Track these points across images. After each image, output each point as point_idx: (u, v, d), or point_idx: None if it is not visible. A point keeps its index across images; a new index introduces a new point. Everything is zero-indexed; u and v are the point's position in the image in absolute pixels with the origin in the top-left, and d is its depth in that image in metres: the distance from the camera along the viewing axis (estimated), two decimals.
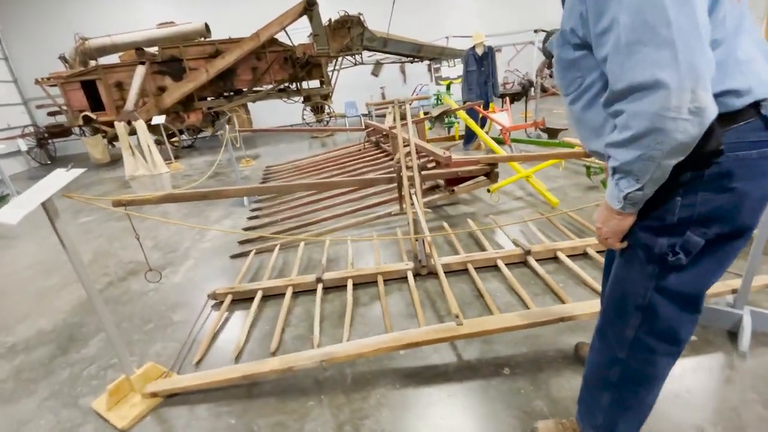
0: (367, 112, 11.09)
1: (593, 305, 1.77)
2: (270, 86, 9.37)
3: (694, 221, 0.85)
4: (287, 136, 10.45)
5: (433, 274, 2.51)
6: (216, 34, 9.01)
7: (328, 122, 10.63)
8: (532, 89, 6.46)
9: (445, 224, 3.22)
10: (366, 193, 3.95)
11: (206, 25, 8.56)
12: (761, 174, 0.81)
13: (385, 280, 2.44)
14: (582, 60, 0.92)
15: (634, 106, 0.74)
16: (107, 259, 3.44)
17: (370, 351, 1.68)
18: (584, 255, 2.57)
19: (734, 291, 1.78)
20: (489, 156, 3.34)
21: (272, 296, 2.47)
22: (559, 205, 3.45)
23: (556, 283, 2.22)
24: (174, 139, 8.91)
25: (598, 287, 2.16)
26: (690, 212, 0.85)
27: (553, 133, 5.77)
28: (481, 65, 5.76)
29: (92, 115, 8.35)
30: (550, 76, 11.34)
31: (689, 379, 1.53)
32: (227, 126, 4.59)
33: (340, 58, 9.80)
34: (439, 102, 6.93)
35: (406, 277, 2.48)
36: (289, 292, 2.40)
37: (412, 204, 2.62)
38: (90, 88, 8.41)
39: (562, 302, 2.06)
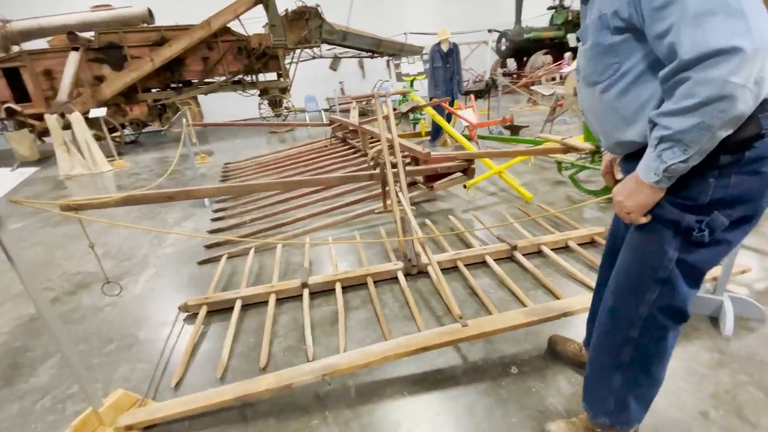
0: (328, 107, 10.84)
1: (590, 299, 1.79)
2: (223, 78, 8.83)
3: (724, 202, 0.88)
4: (243, 131, 9.93)
5: (423, 273, 2.45)
6: (161, 21, 8.31)
7: (286, 117, 10.24)
8: (495, 87, 6.62)
9: (428, 221, 3.18)
10: (340, 191, 3.81)
11: (149, 10, 7.86)
12: None
13: (374, 282, 2.34)
14: (622, 45, 0.91)
15: (705, 74, 0.72)
16: (49, 271, 3.02)
17: (377, 360, 1.58)
18: (566, 248, 2.63)
19: (715, 279, 1.89)
20: (466, 152, 3.34)
21: (253, 305, 2.28)
22: (532, 200, 3.54)
23: (545, 277, 2.25)
24: (115, 134, 8.12)
25: (585, 279, 2.22)
26: (722, 194, 0.87)
27: (515, 130, 5.94)
28: (446, 62, 5.79)
29: (16, 107, 7.38)
30: (503, 75, 11.72)
31: (682, 365, 1.60)
32: (184, 119, 4.21)
33: (298, 51, 9.45)
34: (404, 98, 6.90)
35: (396, 278, 2.40)
36: (272, 300, 2.22)
37: (399, 202, 2.53)
38: (13, 77, 7.42)
39: (556, 297, 2.08)
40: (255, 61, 8.74)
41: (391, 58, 11.36)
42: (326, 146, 6.04)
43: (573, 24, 13.14)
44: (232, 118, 12.16)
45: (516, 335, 1.84)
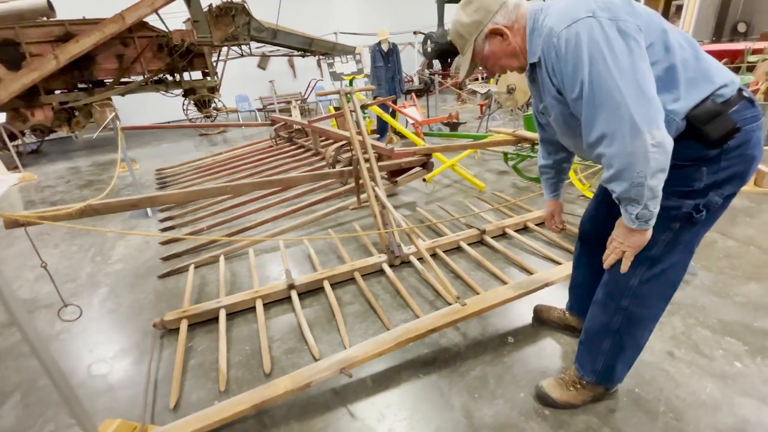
0: (261, 107, 10.41)
1: (566, 269, 2.03)
2: (142, 77, 8.04)
3: (716, 184, 1.05)
4: (170, 135, 9.15)
5: (405, 263, 2.54)
6: (65, 14, 7.32)
7: (215, 118, 9.63)
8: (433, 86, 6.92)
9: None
10: (300, 191, 3.72)
11: (49, 3, 6.88)
12: (758, 141, 1.05)
13: (362, 276, 2.37)
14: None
15: (610, 150, 0.96)
16: None
17: (391, 347, 1.63)
18: (525, 228, 2.90)
19: None
20: (426, 147, 3.49)
21: (237, 313, 2.18)
22: (485, 189, 3.81)
23: (514, 256, 2.47)
24: (15, 143, 6.98)
25: (548, 254, 2.46)
26: (714, 178, 1.05)
27: (453, 126, 6.29)
28: (387, 62, 5.93)
29: None
30: (429, 75, 12.26)
31: None
32: (117, 122, 3.80)
33: (225, 48, 8.94)
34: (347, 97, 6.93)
35: (381, 270, 2.46)
36: (259, 305, 2.15)
37: (377, 196, 2.59)
38: None
39: (528, 272, 2.31)
40: (178, 59, 8.09)
41: (323, 57, 11.26)
42: (271, 147, 5.85)
43: None
44: (152, 120, 11.13)
45: (504, 311, 2.01)
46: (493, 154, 5.01)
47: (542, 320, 1.91)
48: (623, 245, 1.13)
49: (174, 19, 7.96)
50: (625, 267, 1.16)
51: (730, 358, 1.63)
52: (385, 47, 5.85)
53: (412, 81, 13.09)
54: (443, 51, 13.71)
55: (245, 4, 8.61)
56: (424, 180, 3.83)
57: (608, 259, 1.20)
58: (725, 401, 1.44)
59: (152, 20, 7.63)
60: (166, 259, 2.90)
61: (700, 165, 1.03)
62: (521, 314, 1.99)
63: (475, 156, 4.81)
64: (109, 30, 6.95)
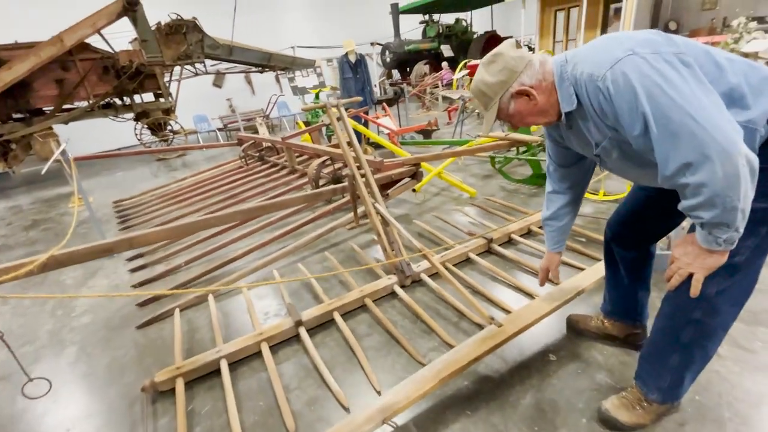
0: (222, 126, 9.93)
1: (597, 271, 1.95)
2: (87, 102, 7.40)
3: None
4: (122, 163, 8.48)
5: (416, 282, 2.37)
6: None
7: (171, 141, 9.06)
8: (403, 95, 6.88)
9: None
10: (281, 215, 3.45)
11: None
12: None
13: (373, 302, 2.18)
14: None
15: (695, 179, 0.89)
16: None
17: (435, 385, 1.45)
18: (529, 233, 2.83)
19: (668, 237, 2.22)
20: (416, 157, 3.37)
21: (240, 361, 1.91)
22: (476, 195, 3.74)
23: (529, 263, 2.38)
24: None
25: (564, 258, 2.39)
26: None
27: (427, 134, 6.26)
28: (356, 72, 5.81)
29: None
30: (390, 85, 12.28)
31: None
32: (65, 152, 3.39)
33: (179, 68, 8.46)
34: (316, 112, 6.70)
35: (392, 293, 2.28)
36: (265, 350, 1.90)
37: (378, 213, 2.41)
38: None
39: (551, 281, 2.21)
40: (127, 81, 7.53)
41: (282, 72, 10.98)
42: (241, 167, 5.52)
43: (444, 36, 14.48)
44: (101, 148, 10.33)
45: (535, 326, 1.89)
46: (473, 159, 4.99)
47: (578, 331, 1.81)
48: (692, 266, 1.04)
49: (120, 39, 7.42)
50: (696, 290, 1.06)
51: (766, 348, 1.59)
52: (352, 58, 5.73)
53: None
54: (401, 60, 13.86)
55: (196, 21, 8.21)
56: (414, 190, 3.70)
57: (672, 281, 1.10)
58: None
59: (95, 41, 7.07)
60: (143, 304, 2.56)
61: None
62: (551, 325, 1.88)
63: (458, 162, 4.75)
64: (46, 54, 6.33)
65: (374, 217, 2.43)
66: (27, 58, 6.20)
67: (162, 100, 8.44)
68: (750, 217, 0.95)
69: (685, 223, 1.82)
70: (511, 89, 1.12)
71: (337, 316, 2.07)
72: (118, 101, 7.88)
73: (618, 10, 11.87)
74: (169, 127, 8.79)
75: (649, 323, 1.64)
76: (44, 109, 7.21)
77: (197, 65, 9.03)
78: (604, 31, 12.39)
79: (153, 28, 7.59)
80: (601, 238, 2.56)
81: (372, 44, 13.87)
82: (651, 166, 1.04)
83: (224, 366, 1.81)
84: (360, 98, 3.03)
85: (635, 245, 1.52)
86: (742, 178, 0.86)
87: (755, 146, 0.94)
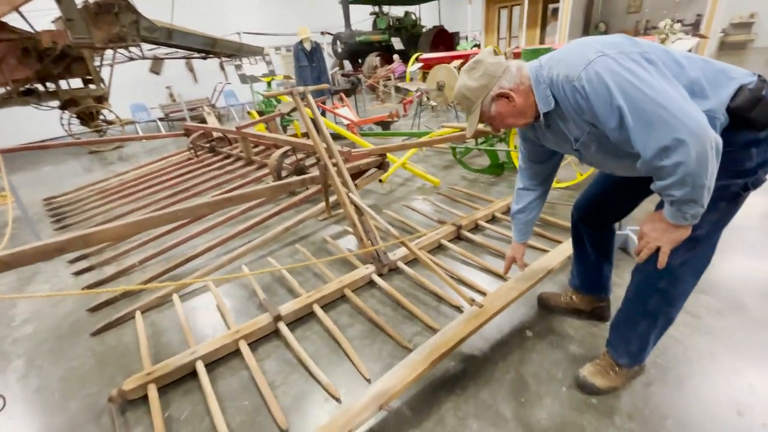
0: (164, 116, 9.21)
1: (563, 252, 2.09)
2: (6, 89, 6.50)
3: (765, 163, 1.10)
4: (49, 157, 7.58)
5: (393, 270, 2.39)
6: None
7: (105, 132, 8.25)
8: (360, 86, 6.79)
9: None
10: (245, 207, 3.29)
11: None
12: None
13: (352, 292, 2.16)
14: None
15: (670, 161, 0.97)
16: None
17: (426, 368, 1.48)
18: (493, 219, 2.96)
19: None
20: (382, 147, 3.37)
21: (216, 362, 1.81)
22: (439, 184, 3.83)
23: (497, 247, 2.49)
24: None
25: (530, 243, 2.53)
26: (763, 157, 1.09)
27: (386, 125, 6.27)
28: (312, 61, 5.66)
29: None
30: (343, 75, 12.12)
31: (623, 281, 2.02)
32: None
33: (111, 51, 7.69)
34: (270, 101, 6.42)
35: (371, 282, 2.28)
36: (244, 347, 1.82)
37: (353, 202, 2.38)
38: None
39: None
40: (51, 65, 6.72)
41: (228, 59, 10.39)
42: (190, 159, 5.18)
43: (394, 28, 14.50)
44: (19, 141, 9.13)
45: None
46: (432, 151, 5.09)
47: (549, 307, 1.93)
48: (660, 240, 1.15)
49: (42, 18, 6.58)
50: (662, 262, 1.18)
51: (713, 314, 1.81)
52: (307, 46, 5.56)
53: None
54: (353, 51, 13.69)
55: (129, 1, 7.49)
56: (380, 181, 3.70)
57: (642, 254, 1.22)
58: (728, 351, 1.58)
59: (13, 20, 6.21)
60: (94, 309, 2.33)
61: (749, 147, 1.08)
62: (524, 304, 1.99)
63: (420, 153, 4.82)
64: None
65: (348, 207, 2.40)
66: None
67: (92, 86, 7.64)
68: (713, 194, 1.07)
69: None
70: (492, 92, 1.21)
71: (317, 309, 2.03)
72: (41, 87, 7.01)
73: (555, 11, 12.63)
74: (102, 117, 7.98)
75: (613, 297, 1.80)
76: None
77: (132, 49, 8.27)
78: (543, 29, 13.14)
79: (80, 7, 6.82)
80: (557, 221, 2.76)
81: (322, 33, 13.55)
82: (626, 157, 1.15)
83: (201, 367, 1.71)
84: (327, 85, 2.95)
85: (600, 225, 1.66)
86: (710, 159, 0.96)
87: (717, 132, 1.05)
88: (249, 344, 1.86)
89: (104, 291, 1.26)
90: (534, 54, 4.95)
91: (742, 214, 1.22)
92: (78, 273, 2.82)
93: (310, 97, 2.61)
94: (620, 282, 2.04)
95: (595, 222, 1.65)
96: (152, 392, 1.61)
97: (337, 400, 1.55)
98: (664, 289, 1.28)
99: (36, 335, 2.18)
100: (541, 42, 12.56)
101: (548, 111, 1.19)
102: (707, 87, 1.05)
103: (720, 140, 0.98)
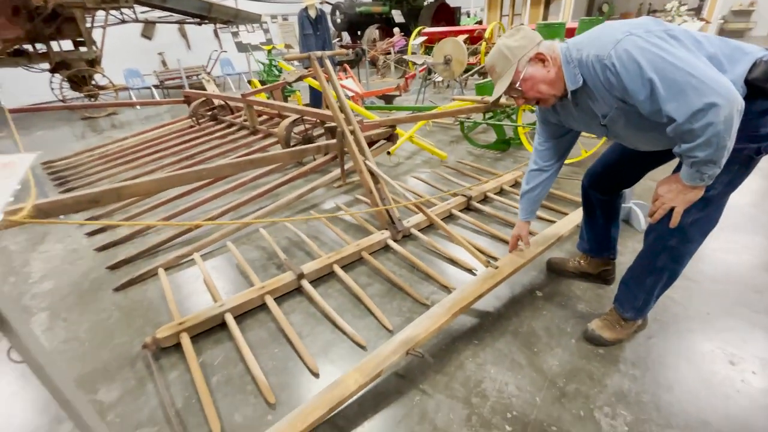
0: (158, 83, 8.96)
1: (571, 221, 2.20)
2: None
3: None
4: (39, 121, 7.37)
5: (407, 237, 2.48)
6: None
7: (96, 97, 8.02)
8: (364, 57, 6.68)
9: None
10: (254, 175, 3.31)
11: None
12: None
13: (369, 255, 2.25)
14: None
15: (700, 124, 1.04)
16: None
17: (448, 318, 1.59)
18: (501, 191, 3.05)
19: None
20: (392, 119, 3.40)
21: (243, 315, 1.90)
22: (446, 158, 3.89)
23: (507, 217, 2.59)
24: None
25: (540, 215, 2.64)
26: None
27: (388, 99, 6.24)
28: (316, 29, 5.54)
29: None
30: (341, 47, 11.87)
31: (631, 252, 2.15)
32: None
33: (103, 13, 7.40)
34: (271, 69, 6.30)
35: (386, 247, 2.37)
36: (270, 301, 1.90)
37: (370, 171, 2.44)
38: None
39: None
40: (42, 25, 6.46)
41: (223, 26, 10.07)
42: (191, 127, 5.12)
43: (395, 1, 14.13)
44: (11, 104, 8.81)
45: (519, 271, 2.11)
46: (437, 126, 5.11)
47: (558, 271, 2.05)
48: (674, 200, 1.25)
49: None
50: (675, 221, 1.28)
51: (711, 280, 1.95)
52: (312, 13, 5.44)
53: None
54: (352, 23, 13.35)
55: None
56: (388, 153, 3.74)
57: (656, 215, 1.31)
58: (723, 312, 1.73)
59: None
60: (114, 267, 2.38)
61: (764, 115, 1.16)
62: (539, 268, 2.10)
63: (426, 127, 4.85)
64: None
65: (365, 174, 2.45)
66: None
67: (84, 48, 7.38)
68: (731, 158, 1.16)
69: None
70: (530, 53, 1.28)
71: (337, 268, 2.12)
72: (31, 48, 6.75)
73: None
74: (93, 82, 7.75)
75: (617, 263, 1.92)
76: None
77: (125, 11, 7.97)
78: (546, 8, 12.95)
79: None
80: (564, 195, 2.87)
81: (322, 2, 13.14)
82: (652, 130, 1.23)
83: (230, 319, 1.80)
84: (345, 51, 2.93)
85: (610, 190, 1.76)
86: (735, 122, 1.04)
87: None
88: (274, 300, 1.95)
89: (181, 224, 1.31)
90: (546, 28, 4.94)
91: (741, 191, 1.31)
92: (90, 234, 2.85)
93: (328, 62, 2.61)
94: (623, 250, 2.17)
95: (605, 188, 1.75)
96: (185, 340, 1.70)
97: (363, 348, 1.66)
98: (673, 246, 1.38)
99: (56, 291, 2.23)
100: (545, 19, 12.40)
101: (575, 89, 1.27)
102: (725, 62, 1.14)
103: (743, 104, 1.05)
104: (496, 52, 1.32)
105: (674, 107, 1.07)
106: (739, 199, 2.68)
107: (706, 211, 1.31)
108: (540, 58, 1.28)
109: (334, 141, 2.65)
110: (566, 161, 3.47)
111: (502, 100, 3.24)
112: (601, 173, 1.74)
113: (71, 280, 2.31)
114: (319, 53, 2.57)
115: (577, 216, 2.29)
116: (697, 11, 9.56)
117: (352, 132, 2.56)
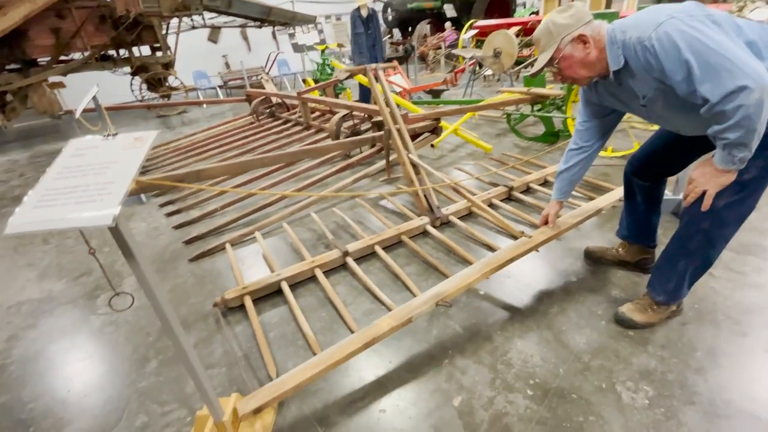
0: (222, 83, 9.74)
1: (610, 198, 2.27)
2: (82, 54, 7.19)
3: None
4: (120, 119, 8.35)
5: (445, 224, 2.61)
6: None
7: (169, 97, 8.88)
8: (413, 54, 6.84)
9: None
10: (306, 166, 3.59)
11: None
12: None
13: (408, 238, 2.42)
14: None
15: (731, 105, 1.09)
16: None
17: (478, 277, 1.72)
18: (545, 183, 3.07)
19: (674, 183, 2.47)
20: (436, 111, 3.52)
21: (296, 285, 2.15)
22: (491, 150, 3.94)
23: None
24: None
25: (577, 203, 2.65)
26: None
27: (436, 94, 6.32)
28: (367, 28, 5.76)
29: None
30: (392, 44, 12.06)
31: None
32: (97, 98, 3.44)
33: (177, 20, 8.18)
34: (324, 68, 6.66)
35: (424, 233, 2.52)
36: (320, 274, 2.13)
37: (412, 163, 2.60)
38: None
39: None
40: (125, 33, 7.30)
41: (281, 28, 10.66)
42: (252, 123, 5.57)
43: None
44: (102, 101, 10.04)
45: (557, 256, 2.16)
46: (483, 120, 5.13)
47: (595, 259, 2.08)
48: (707, 184, 1.28)
49: None
50: (707, 205, 1.31)
51: (758, 272, 1.89)
52: (364, 13, 5.67)
53: None
54: (404, 20, 13.49)
55: None
56: (432, 146, 3.87)
57: (689, 198, 1.35)
58: (766, 305, 1.69)
59: None
60: (189, 242, 2.75)
61: None
62: (570, 255, 2.15)
63: (472, 121, 4.90)
64: (40, 0, 6.08)
65: (408, 166, 2.61)
66: (22, 4, 5.96)
67: (159, 53, 8.21)
68: (761, 142, 1.18)
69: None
70: (574, 33, 1.34)
71: (378, 249, 2.31)
72: (115, 54, 7.66)
73: None
74: (167, 84, 8.60)
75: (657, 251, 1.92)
76: (39, 60, 7.00)
77: (195, 17, 8.74)
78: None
79: None
80: (606, 185, 2.84)
81: (374, 0, 13.42)
82: (690, 110, 1.26)
83: (285, 286, 2.05)
84: (395, 63, 3.10)
85: (652, 177, 1.77)
86: (766, 105, 1.08)
87: None
88: (322, 273, 2.18)
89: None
90: (600, 17, 4.77)
91: None
92: (169, 214, 3.28)
93: (381, 73, 2.80)
94: (664, 240, 2.13)
95: (648, 175, 1.77)
96: (248, 302, 1.97)
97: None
98: (706, 229, 1.40)
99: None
100: (607, 7, 11.73)
101: (618, 69, 1.33)
102: (763, 49, 1.18)
103: None
104: (544, 26, 1.39)
105: (708, 88, 1.12)
106: None
107: (741, 195, 1.32)
108: (582, 40, 1.33)
109: (381, 133, 2.83)
110: (618, 154, 3.44)
111: (548, 90, 3.25)
112: (644, 159, 1.76)
113: (154, 252, 2.71)
114: (373, 65, 2.77)
115: (617, 193, 2.30)
116: None
117: (398, 129, 2.73)
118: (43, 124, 8.77)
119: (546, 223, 1.96)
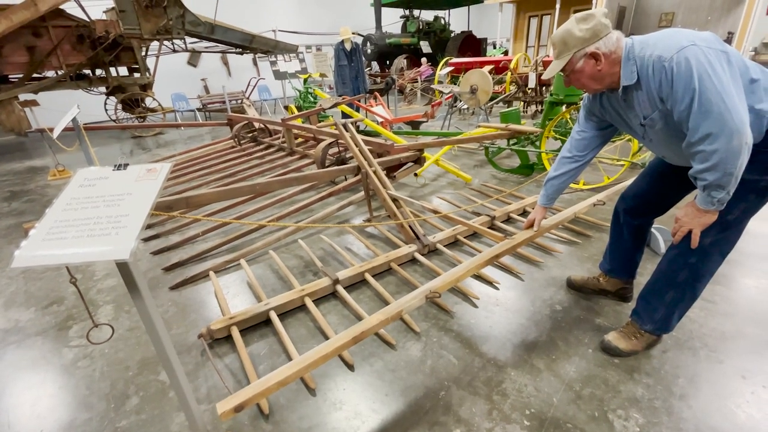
0: (201, 106, 9.66)
1: (589, 203, 2.44)
2: (56, 72, 7.00)
3: None
4: (93, 138, 8.07)
5: (432, 251, 2.65)
6: None
7: (145, 118, 8.72)
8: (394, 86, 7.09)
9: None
10: (290, 192, 3.60)
11: None
12: None
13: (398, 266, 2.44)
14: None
15: (711, 147, 1.19)
16: None
17: (465, 273, 1.73)
18: (523, 213, 3.20)
19: None
20: (420, 143, 3.63)
21: (285, 314, 2.10)
22: (471, 181, 4.08)
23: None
24: None
25: (559, 234, 2.77)
26: None
27: (415, 125, 6.54)
28: (351, 60, 5.96)
29: None
30: (371, 76, 12.45)
31: (648, 271, 2.24)
32: (77, 119, 3.34)
33: (157, 43, 8.16)
34: (307, 96, 6.77)
35: (413, 260, 2.55)
36: (309, 302, 2.10)
37: (393, 198, 2.65)
38: None
39: (548, 250, 2.58)
40: (103, 53, 7.20)
41: (263, 55, 10.81)
42: (233, 147, 5.54)
43: (423, 32, 14.79)
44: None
45: (542, 286, 2.24)
46: (461, 151, 5.33)
47: (577, 288, 2.17)
48: (691, 223, 1.39)
49: (96, 7, 7.07)
50: (695, 242, 1.42)
51: (727, 301, 2.02)
52: (348, 46, 5.88)
53: None
54: (382, 53, 14.02)
55: None
56: (415, 175, 3.97)
57: (677, 236, 1.46)
58: (738, 332, 1.80)
59: (71, 8, 6.70)
60: (169, 269, 2.66)
61: None
62: (554, 284, 2.23)
63: (452, 151, 5.07)
64: (18, 18, 5.95)
65: (389, 202, 2.67)
66: None
67: (137, 74, 8.11)
68: (744, 186, 1.30)
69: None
70: (588, 49, 1.34)
71: (368, 277, 2.31)
72: (91, 73, 7.51)
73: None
74: (144, 105, 8.46)
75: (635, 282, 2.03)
76: (10, 77, 6.76)
77: (176, 41, 8.75)
78: None
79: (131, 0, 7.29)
80: (589, 219, 2.99)
81: (353, 34, 13.90)
82: (682, 139, 1.30)
83: (274, 316, 2.00)
84: (356, 96, 3.22)
85: (643, 215, 1.87)
86: (742, 152, 1.18)
87: (763, 130, 1.26)
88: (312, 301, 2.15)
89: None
90: None
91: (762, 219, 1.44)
92: (146, 239, 3.16)
93: (351, 127, 2.90)
94: (641, 271, 2.26)
95: (639, 212, 1.86)
96: (235, 332, 1.91)
97: (392, 346, 1.82)
98: (694, 264, 1.49)
99: (120, 287, 2.51)
100: (620, 18, 12.59)
101: (628, 85, 1.35)
102: (762, 90, 1.26)
103: (752, 140, 1.19)
104: (563, 33, 1.37)
105: (696, 123, 1.20)
106: (757, 226, 2.73)
107: (725, 234, 1.44)
108: (594, 57, 1.34)
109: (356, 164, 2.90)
110: (587, 186, 3.65)
111: (525, 127, 3.44)
112: (637, 198, 1.84)
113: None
114: (344, 121, 2.88)
115: (592, 200, 2.44)
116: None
117: (374, 171, 2.80)
118: (8, 141, 8.36)
119: (531, 226, 1.98)
